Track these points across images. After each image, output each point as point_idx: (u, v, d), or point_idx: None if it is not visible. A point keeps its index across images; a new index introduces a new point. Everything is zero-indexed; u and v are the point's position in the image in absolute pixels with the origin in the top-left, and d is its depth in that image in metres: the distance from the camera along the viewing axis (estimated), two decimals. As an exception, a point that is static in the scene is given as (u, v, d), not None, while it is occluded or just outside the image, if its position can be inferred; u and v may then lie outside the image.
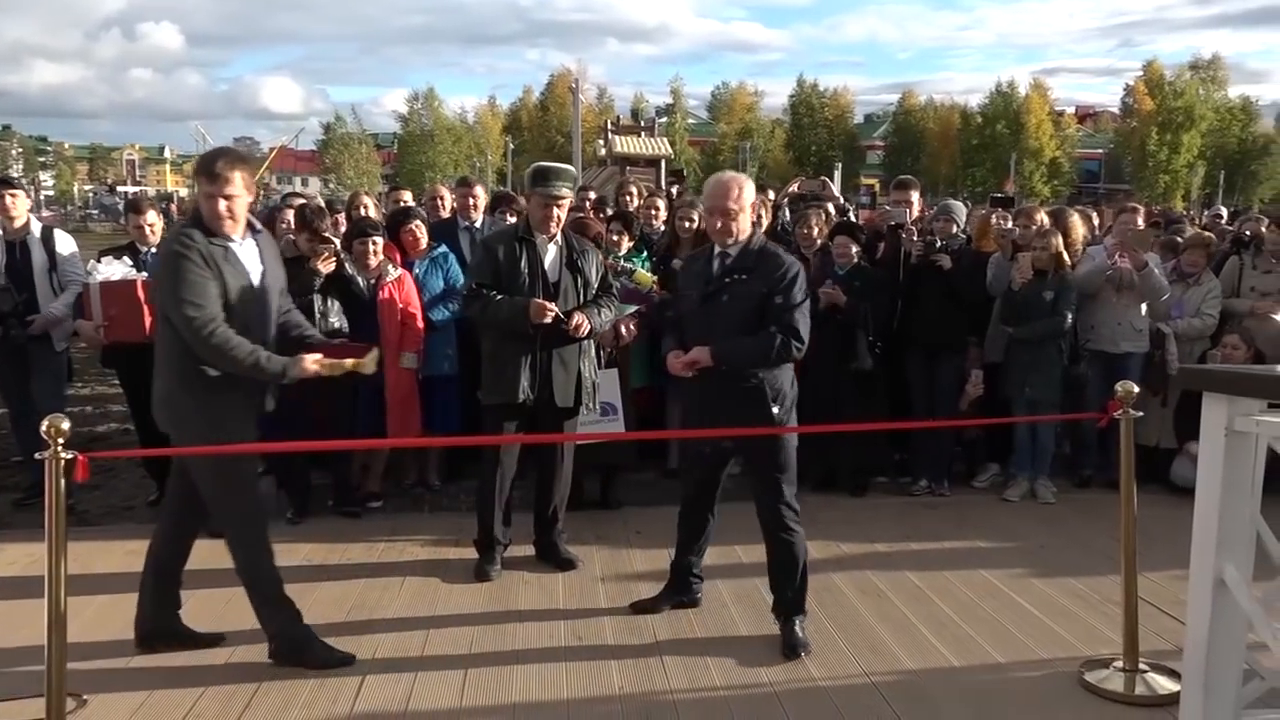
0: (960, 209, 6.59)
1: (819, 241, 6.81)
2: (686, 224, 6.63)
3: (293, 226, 5.87)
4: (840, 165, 42.63)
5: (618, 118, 42.21)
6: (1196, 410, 4.06)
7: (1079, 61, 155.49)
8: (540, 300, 4.60)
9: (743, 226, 3.95)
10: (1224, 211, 13.46)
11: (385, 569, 4.98)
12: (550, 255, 4.75)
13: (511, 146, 49.54)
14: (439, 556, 5.16)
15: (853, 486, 6.48)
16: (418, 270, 6.11)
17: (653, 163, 34.24)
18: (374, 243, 5.85)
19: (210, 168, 3.62)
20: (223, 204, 3.63)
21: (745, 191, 3.96)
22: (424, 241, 6.18)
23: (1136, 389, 3.63)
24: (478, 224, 6.56)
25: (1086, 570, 5.06)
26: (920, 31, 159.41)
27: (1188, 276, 6.61)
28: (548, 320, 4.59)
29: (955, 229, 6.32)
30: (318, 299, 5.58)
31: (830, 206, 7.67)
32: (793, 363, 4.09)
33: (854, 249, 6.34)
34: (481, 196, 6.60)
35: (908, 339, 6.32)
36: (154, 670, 3.86)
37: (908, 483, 6.64)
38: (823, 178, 7.69)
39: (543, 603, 4.57)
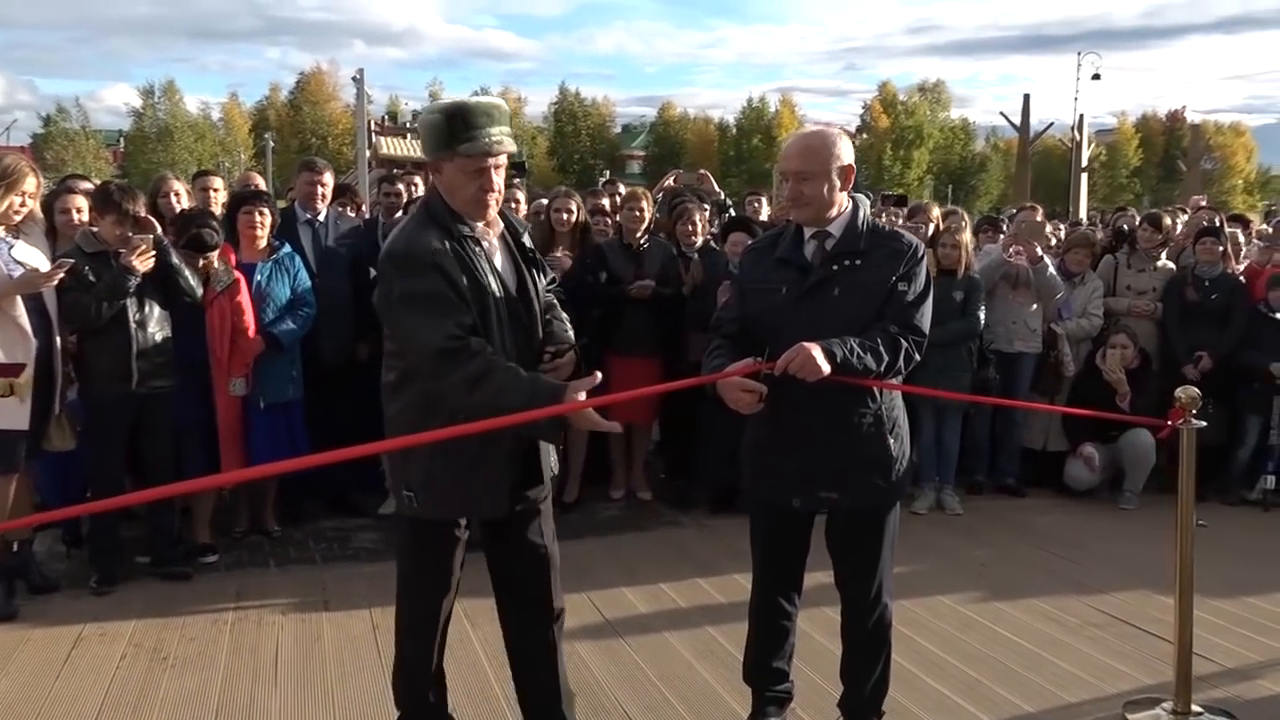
0: (865, 203, 6.15)
1: (701, 240, 6.23)
2: (564, 215, 5.91)
3: (88, 213, 4.61)
4: (605, 174, 42.72)
5: (382, 119, 40.23)
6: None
7: (811, 82, 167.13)
8: (578, 382, 2.60)
9: (827, 195, 2.92)
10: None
11: (247, 654, 3.88)
12: (499, 258, 2.81)
13: (271, 145, 46.09)
14: (313, 630, 4.11)
15: (757, 507, 5.91)
16: (260, 275, 4.96)
17: (421, 165, 32.88)
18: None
19: None
20: None
21: (828, 149, 2.88)
22: (266, 237, 5.04)
23: (1198, 394, 3.23)
24: (322, 217, 5.47)
25: (1043, 590, 4.69)
26: (666, 47, 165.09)
27: (1072, 275, 6.51)
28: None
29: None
30: (132, 304, 4.38)
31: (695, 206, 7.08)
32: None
33: (754, 247, 5.79)
34: (331, 183, 5.51)
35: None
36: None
37: (806, 499, 6.16)
38: (702, 171, 7.09)
39: (476, 681, 3.64)
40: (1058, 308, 6.41)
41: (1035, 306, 6.29)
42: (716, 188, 6.97)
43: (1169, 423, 3.19)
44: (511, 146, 2.70)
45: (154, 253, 4.37)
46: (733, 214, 6.90)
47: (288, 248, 5.09)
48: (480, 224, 2.77)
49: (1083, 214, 23.17)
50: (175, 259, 4.47)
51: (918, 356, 2.91)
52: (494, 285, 2.70)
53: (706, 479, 6.07)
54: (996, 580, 4.83)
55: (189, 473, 4.64)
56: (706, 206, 6.79)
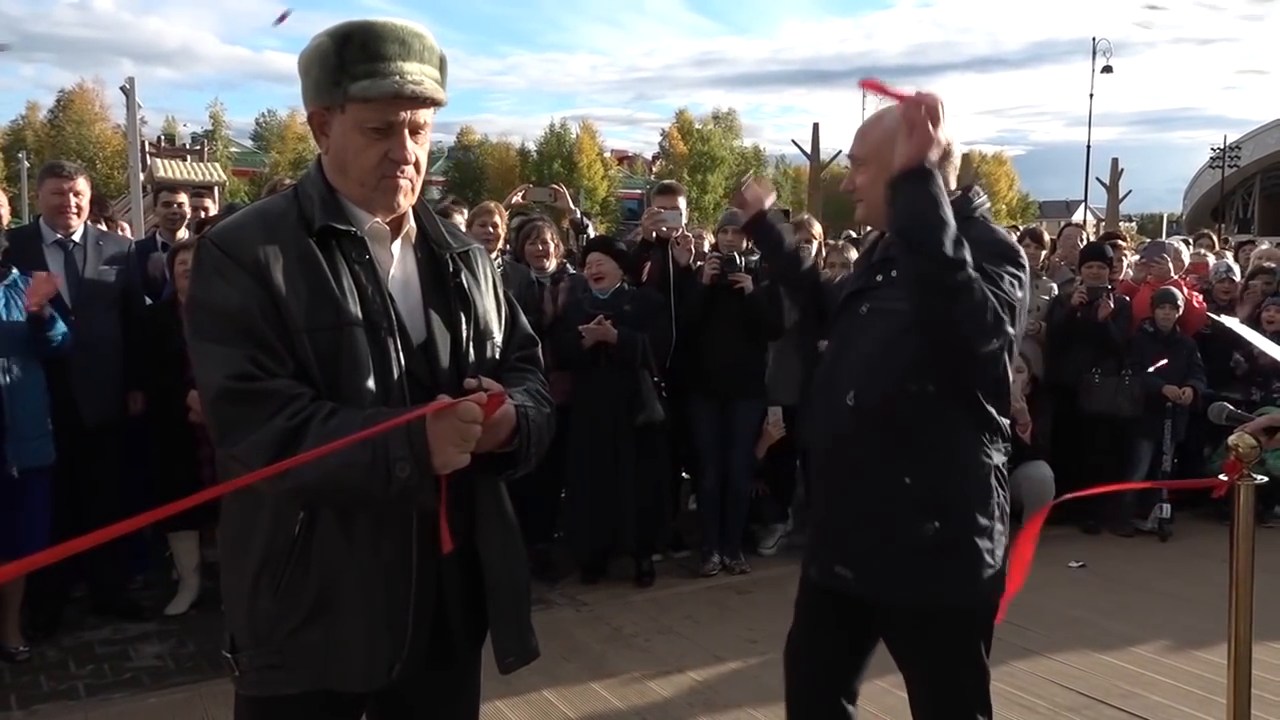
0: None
1: (554, 263, 5.37)
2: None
3: None
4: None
5: (158, 140, 37.14)
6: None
7: (604, 111, 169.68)
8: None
9: None
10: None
11: None
12: (397, 268, 1.81)
13: (27, 166, 41.28)
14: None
15: (638, 572, 5.08)
16: (-14, 304, 3.72)
17: (204, 190, 30.46)
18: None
19: None
20: None
21: None
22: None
23: (1255, 444, 2.60)
24: (77, 237, 4.22)
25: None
26: (459, 74, 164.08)
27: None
28: None
29: (747, 242, 5.15)
30: None
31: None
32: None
33: (615, 267, 4.99)
34: (86, 193, 4.26)
35: (697, 377, 5.06)
36: None
37: (687, 559, 5.39)
38: (555, 186, 6.21)
39: None
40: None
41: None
42: (573, 204, 6.12)
43: (1224, 478, 2.55)
44: (438, 94, 1.70)
45: None
46: (591, 233, 6.08)
47: (16, 272, 3.86)
48: (374, 220, 1.75)
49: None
50: None
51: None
52: (365, 314, 1.68)
53: (576, 540, 5.18)
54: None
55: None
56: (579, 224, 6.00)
